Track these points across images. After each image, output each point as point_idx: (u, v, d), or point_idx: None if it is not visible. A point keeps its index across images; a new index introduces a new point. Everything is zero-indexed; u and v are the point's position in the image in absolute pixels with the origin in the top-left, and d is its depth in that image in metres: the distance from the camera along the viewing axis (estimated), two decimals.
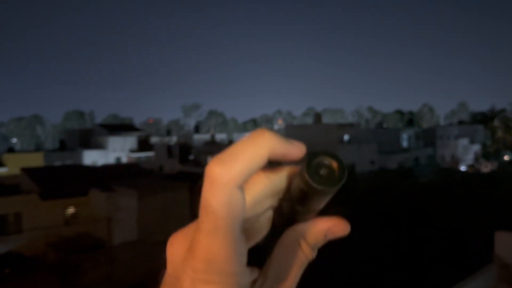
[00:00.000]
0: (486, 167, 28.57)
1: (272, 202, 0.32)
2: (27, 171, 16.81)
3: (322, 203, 0.29)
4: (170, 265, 0.29)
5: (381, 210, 14.26)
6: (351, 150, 21.19)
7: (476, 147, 33.37)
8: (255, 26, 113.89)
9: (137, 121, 59.45)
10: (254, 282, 0.30)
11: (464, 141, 32.09)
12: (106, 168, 19.93)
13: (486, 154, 33.84)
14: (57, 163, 26.31)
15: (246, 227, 0.31)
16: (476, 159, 31.99)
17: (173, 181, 14.58)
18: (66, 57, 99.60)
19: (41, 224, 13.96)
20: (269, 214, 0.33)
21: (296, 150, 0.27)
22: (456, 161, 29.66)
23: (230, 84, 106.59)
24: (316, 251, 0.32)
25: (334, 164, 0.28)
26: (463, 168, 28.72)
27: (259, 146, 0.26)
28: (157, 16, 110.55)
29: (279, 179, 0.30)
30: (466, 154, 31.45)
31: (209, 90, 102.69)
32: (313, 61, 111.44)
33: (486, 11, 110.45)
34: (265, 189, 0.30)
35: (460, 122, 44.01)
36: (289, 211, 0.31)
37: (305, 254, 0.31)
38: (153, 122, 56.76)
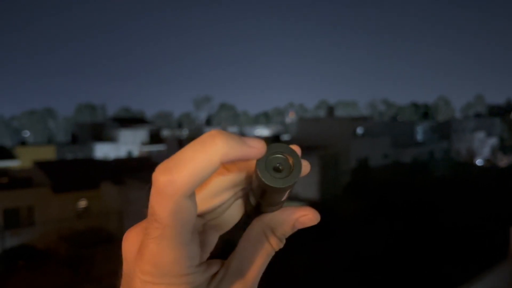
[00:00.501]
0: (503, 161, 28.06)
1: (233, 193, 0.31)
2: (39, 164, 16.87)
3: (282, 197, 0.29)
4: (125, 262, 0.28)
5: (394, 204, 14.04)
6: (365, 144, 20.88)
7: (493, 141, 32.79)
8: (266, 18, 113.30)
9: (149, 113, 59.71)
10: (214, 275, 0.30)
11: (480, 135, 31.56)
12: (117, 161, 19.97)
13: (503, 148, 33.21)
14: (69, 156, 26.47)
15: (211, 218, 0.31)
16: (493, 153, 31.45)
17: None
18: (78, 50, 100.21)
19: (53, 217, 14.01)
20: (239, 203, 0.33)
21: (252, 151, 0.26)
22: (472, 155, 29.17)
23: (241, 77, 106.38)
24: (283, 241, 0.31)
25: (290, 159, 0.27)
26: (479, 162, 28.24)
27: (209, 152, 0.24)
28: (169, 9, 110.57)
29: (238, 170, 0.29)
30: (482, 148, 30.93)
31: (220, 83, 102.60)
32: (326, 52, 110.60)
33: (503, 2, 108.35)
34: (224, 180, 0.29)
35: (477, 115, 43.29)
36: (255, 202, 0.31)
37: (271, 245, 0.30)
38: (164, 115, 56.85)
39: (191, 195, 0.25)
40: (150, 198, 0.25)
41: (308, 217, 0.30)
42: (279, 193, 0.28)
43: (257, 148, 0.26)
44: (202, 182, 0.25)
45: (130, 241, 0.28)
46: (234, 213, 0.33)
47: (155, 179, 0.24)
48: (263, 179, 0.26)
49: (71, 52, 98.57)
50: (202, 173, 0.24)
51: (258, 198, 0.29)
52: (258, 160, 0.26)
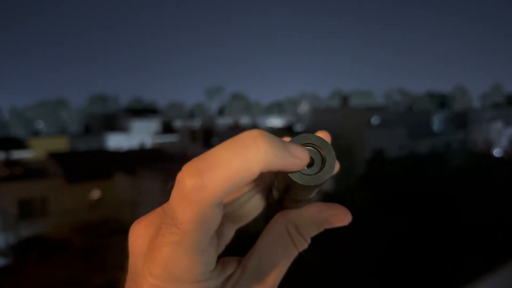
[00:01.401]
0: None
1: (254, 184, 0.29)
2: (52, 155, 16.92)
3: (310, 195, 0.25)
4: (132, 257, 0.26)
5: (409, 195, 13.79)
6: (380, 135, 20.55)
7: (511, 131, 32.11)
8: (279, 8, 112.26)
9: (161, 104, 59.82)
10: (230, 276, 0.27)
11: (498, 125, 30.93)
12: (130, 152, 19.93)
13: None
14: (82, 146, 26.56)
15: (230, 210, 0.29)
16: (511, 143, 30.81)
17: None
18: (90, 41, 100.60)
19: (67, 208, 14.05)
20: (260, 195, 0.31)
21: (296, 162, 0.22)
22: (489, 145, 28.62)
23: (253, 67, 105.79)
24: (308, 241, 0.28)
25: (322, 153, 0.23)
26: (496, 152, 27.69)
27: (249, 158, 0.21)
28: (182, 0, 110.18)
29: None
30: (500, 138, 30.33)
31: (232, 73, 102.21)
32: (340, 42, 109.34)
33: None
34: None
35: (494, 105, 42.41)
36: (278, 197, 0.27)
37: (295, 244, 0.27)
38: (176, 105, 56.84)
39: (220, 203, 0.22)
40: (172, 200, 0.22)
41: (338, 217, 0.27)
42: (307, 191, 0.24)
43: (301, 160, 0.22)
44: (235, 191, 0.21)
45: (138, 234, 0.25)
46: (254, 206, 0.30)
47: (181, 181, 0.21)
48: (289, 175, 0.23)
49: (84, 43, 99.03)
50: (237, 181, 0.21)
51: (282, 193, 0.26)
52: None
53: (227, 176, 0.20)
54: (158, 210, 0.25)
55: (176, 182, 0.21)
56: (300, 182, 0.23)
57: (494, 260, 7.78)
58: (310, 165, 0.23)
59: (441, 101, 48.53)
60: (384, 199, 13.30)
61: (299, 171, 0.22)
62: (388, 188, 14.51)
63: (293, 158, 0.22)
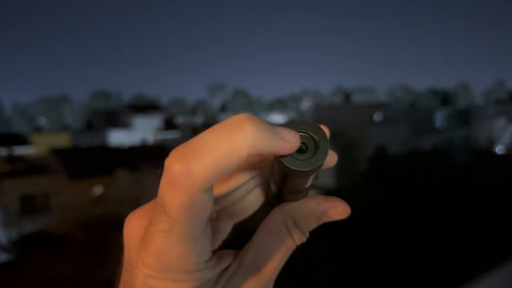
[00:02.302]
0: None
1: (250, 176, 0.28)
2: (55, 151, 16.95)
3: (306, 183, 0.25)
4: (126, 248, 0.26)
5: (412, 192, 13.76)
6: (382, 131, 20.51)
7: None
8: (281, 3, 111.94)
9: (163, 100, 59.78)
10: (226, 269, 0.26)
11: (501, 121, 30.83)
12: (132, 148, 19.95)
13: None
14: (84, 142, 26.60)
15: (226, 204, 0.29)
16: None
17: None
18: (93, 37, 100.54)
19: (69, 203, 14.08)
20: (258, 190, 0.30)
21: (285, 145, 0.22)
22: (492, 142, 28.53)
23: (256, 63, 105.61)
24: (306, 235, 0.27)
25: (315, 138, 0.23)
26: (499, 149, 27.60)
27: (236, 141, 0.20)
28: None
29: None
30: (503, 135, 30.24)
31: (235, 69, 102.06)
32: (342, 38, 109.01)
33: None
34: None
35: (498, 101, 42.24)
36: (275, 189, 0.27)
37: (293, 238, 0.27)
38: (179, 101, 56.85)
39: (209, 188, 0.21)
40: (160, 187, 0.22)
41: (336, 210, 0.27)
42: (302, 178, 0.24)
43: (290, 142, 0.22)
44: (224, 175, 0.21)
45: (133, 226, 0.25)
46: (253, 201, 0.30)
47: (169, 166, 0.21)
48: (283, 161, 0.22)
49: (86, 39, 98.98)
50: (225, 165, 0.20)
51: (278, 184, 0.26)
52: None
53: (214, 160, 0.20)
54: (152, 202, 0.25)
55: (164, 168, 0.21)
56: (293, 168, 0.22)
57: (496, 259, 7.76)
58: (304, 151, 0.23)
59: (444, 98, 48.38)
60: (386, 196, 13.28)
61: (291, 156, 0.22)
62: (390, 185, 14.48)
63: (282, 140, 0.21)
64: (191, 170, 0.20)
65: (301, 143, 0.23)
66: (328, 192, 14.27)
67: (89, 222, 13.04)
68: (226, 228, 0.29)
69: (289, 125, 0.23)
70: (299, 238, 0.27)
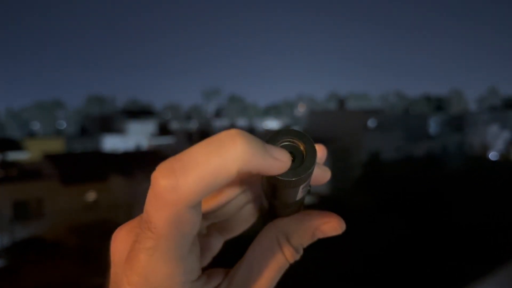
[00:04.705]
0: None
1: (240, 190, 0.27)
2: (48, 156, 16.86)
3: (296, 194, 0.24)
4: (112, 264, 0.25)
5: (406, 198, 13.83)
6: (376, 137, 20.57)
7: (508, 135, 32.24)
8: (275, 9, 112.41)
9: (157, 105, 59.72)
10: None
11: (494, 128, 31.04)
12: (126, 154, 19.89)
13: None
14: (78, 147, 26.48)
15: (217, 219, 0.27)
16: (507, 146, 30.93)
17: None
18: (87, 42, 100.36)
19: (63, 209, 13.99)
20: (251, 206, 0.29)
21: (276, 164, 0.21)
22: (485, 148, 28.71)
23: (250, 69, 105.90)
24: (300, 252, 0.26)
25: (301, 147, 0.22)
26: (492, 155, 27.78)
27: (226, 157, 0.19)
28: (179, 0, 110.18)
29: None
30: (496, 141, 30.44)
31: (229, 75, 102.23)
32: (337, 44, 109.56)
33: None
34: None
35: (491, 108, 42.56)
36: (267, 204, 0.26)
37: (286, 255, 0.25)
38: (173, 107, 56.86)
39: (197, 205, 0.20)
40: (146, 202, 0.21)
41: (330, 225, 0.25)
42: (291, 188, 0.23)
43: (282, 162, 0.21)
44: (212, 192, 0.20)
45: (120, 242, 0.24)
46: (245, 217, 0.29)
47: (155, 181, 0.20)
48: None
49: (80, 44, 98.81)
50: (213, 181, 0.19)
51: (270, 198, 0.25)
52: None
53: (202, 175, 0.19)
54: (139, 217, 0.24)
55: (151, 182, 0.20)
56: (281, 178, 0.21)
57: (490, 261, 7.80)
58: (292, 161, 0.22)
59: (438, 104, 48.66)
60: (381, 201, 13.32)
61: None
62: (384, 190, 14.53)
63: (273, 159, 0.20)
64: (177, 185, 0.19)
65: (290, 152, 0.22)
66: (323, 198, 14.27)
67: (83, 228, 12.96)
68: (217, 245, 0.28)
69: (276, 133, 0.22)
70: (292, 255, 0.25)
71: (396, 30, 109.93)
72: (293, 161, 0.22)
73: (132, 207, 13.18)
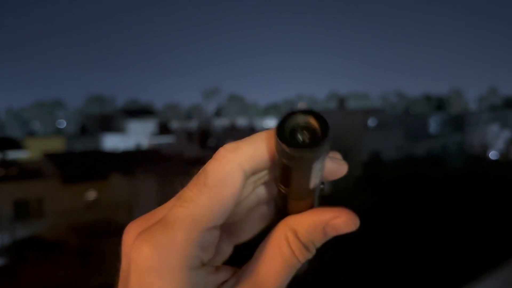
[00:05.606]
0: None
1: (249, 190, 0.26)
2: (48, 156, 16.86)
3: (310, 177, 0.23)
4: (124, 257, 0.25)
5: (406, 198, 13.82)
6: (377, 137, 20.58)
7: (508, 134, 32.27)
8: (275, 8, 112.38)
9: (157, 105, 59.67)
10: (223, 284, 0.25)
11: (494, 127, 31.06)
12: (126, 153, 19.88)
13: None
14: (78, 147, 26.48)
15: (226, 222, 0.26)
16: (507, 146, 30.96)
17: (193, 167, 14.46)
18: (87, 41, 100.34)
19: (63, 208, 13.99)
20: (262, 209, 0.28)
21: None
22: (485, 148, 28.72)
23: (250, 68, 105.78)
24: (312, 250, 0.25)
25: (313, 122, 0.22)
26: (492, 155, 27.80)
27: (267, 145, 0.24)
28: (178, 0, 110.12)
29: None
30: (496, 141, 30.46)
31: (229, 74, 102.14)
32: (336, 43, 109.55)
33: None
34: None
35: (491, 107, 42.60)
36: (280, 201, 0.26)
37: (295, 253, 0.24)
38: (173, 106, 56.86)
39: (245, 175, 0.23)
40: (206, 164, 0.24)
41: (342, 220, 0.24)
42: (307, 168, 0.22)
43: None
44: (258, 167, 0.24)
45: (131, 235, 0.25)
46: (255, 220, 0.28)
47: (219, 150, 0.23)
48: (284, 146, 0.21)
49: (80, 44, 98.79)
50: (263, 156, 0.23)
51: (282, 187, 0.24)
52: (275, 127, 0.22)
53: (256, 148, 0.24)
54: (152, 212, 0.25)
55: (214, 154, 0.23)
56: (295, 155, 0.21)
57: (491, 260, 7.80)
58: (305, 138, 0.22)
59: (438, 104, 48.67)
60: (381, 201, 13.31)
61: (293, 143, 0.22)
62: (385, 190, 14.52)
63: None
64: (238, 147, 0.24)
65: (303, 129, 0.22)
66: (324, 197, 14.27)
67: (83, 227, 12.95)
68: (226, 251, 0.28)
69: (286, 115, 0.22)
70: (301, 253, 0.24)
71: (396, 29, 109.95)
72: (306, 137, 0.22)
73: (132, 206, 13.17)
